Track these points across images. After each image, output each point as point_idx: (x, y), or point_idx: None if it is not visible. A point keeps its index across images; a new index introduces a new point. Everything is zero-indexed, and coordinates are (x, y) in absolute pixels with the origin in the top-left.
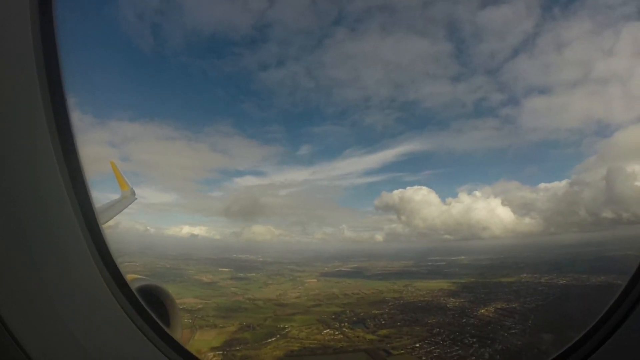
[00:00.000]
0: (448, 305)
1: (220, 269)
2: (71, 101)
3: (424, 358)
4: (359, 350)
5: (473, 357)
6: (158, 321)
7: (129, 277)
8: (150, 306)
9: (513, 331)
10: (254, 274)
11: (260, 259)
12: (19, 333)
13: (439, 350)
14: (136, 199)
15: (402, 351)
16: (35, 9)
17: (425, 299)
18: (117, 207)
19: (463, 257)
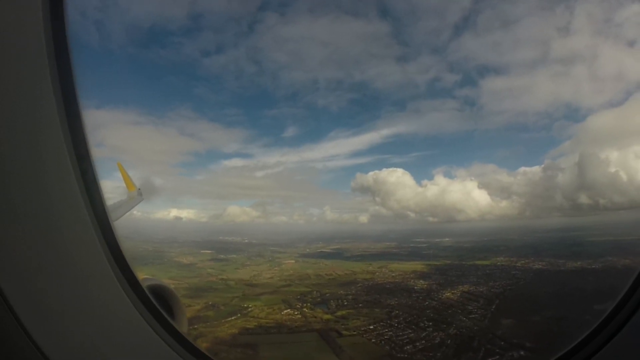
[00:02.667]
0: (415, 288)
1: (202, 251)
2: (83, 102)
3: (373, 340)
4: (312, 331)
5: (423, 341)
6: (169, 319)
7: None
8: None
9: (473, 316)
10: (234, 256)
11: (246, 240)
12: (34, 331)
13: (391, 333)
14: (143, 199)
15: (354, 333)
16: (47, 10)
17: (396, 280)
18: (124, 207)
19: (447, 239)
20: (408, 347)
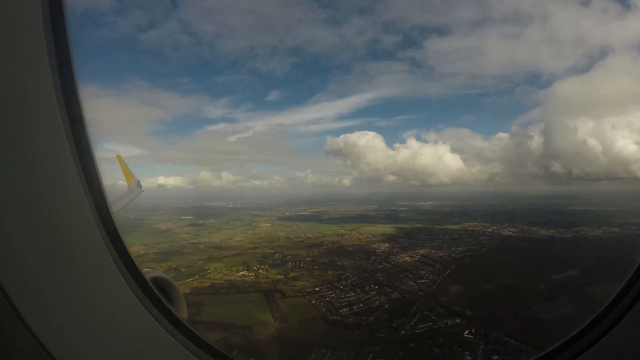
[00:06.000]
0: (377, 251)
1: (182, 217)
2: (84, 97)
3: (313, 302)
4: (258, 291)
5: (361, 304)
6: (172, 310)
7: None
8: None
9: (422, 280)
10: (213, 220)
11: (230, 205)
12: (35, 325)
13: (333, 295)
14: (142, 191)
15: (298, 294)
16: (47, 8)
17: (361, 243)
18: (123, 200)
19: (430, 202)
20: (344, 309)
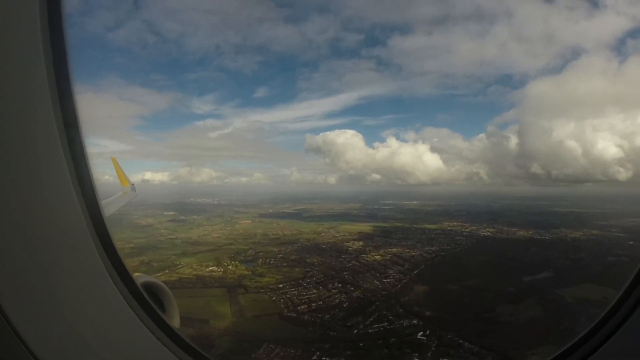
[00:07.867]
0: (349, 249)
1: (165, 213)
2: (79, 98)
3: (274, 298)
4: (224, 286)
5: (320, 302)
6: (163, 316)
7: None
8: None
9: (387, 280)
10: (195, 217)
11: (215, 202)
12: (23, 330)
13: (295, 292)
14: (137, 195)
15: (261, 290)
16: (44, 8)
17: (335, 241)
18: (117, 202)
19: (415, 201)
20: (303, 307)
